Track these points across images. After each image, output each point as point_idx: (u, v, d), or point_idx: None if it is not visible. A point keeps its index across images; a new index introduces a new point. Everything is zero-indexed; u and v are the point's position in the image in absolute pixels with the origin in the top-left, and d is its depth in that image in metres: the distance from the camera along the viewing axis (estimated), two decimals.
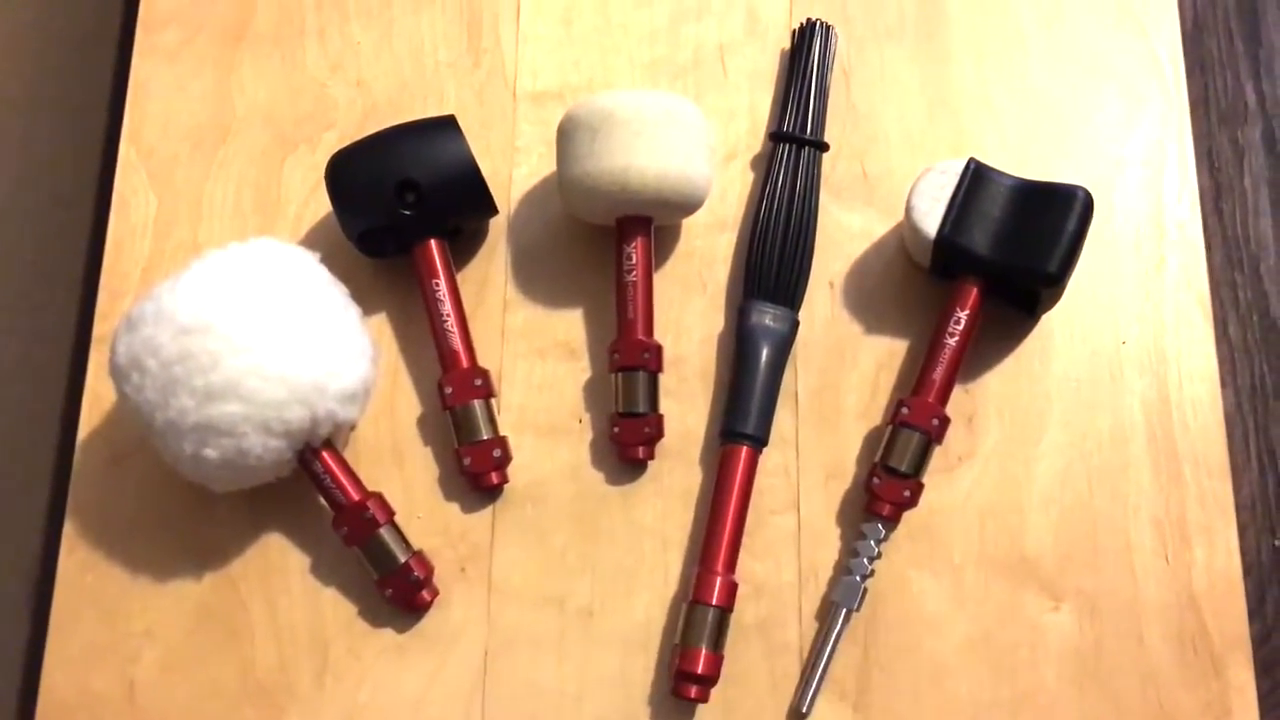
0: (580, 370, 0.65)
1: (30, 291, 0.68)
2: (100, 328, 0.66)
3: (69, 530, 0.62)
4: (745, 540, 0.60)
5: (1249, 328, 1.20)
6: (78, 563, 0.62)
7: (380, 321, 0.65)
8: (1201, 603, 0.60)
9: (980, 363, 0.64)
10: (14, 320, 0.66)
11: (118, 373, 0.57)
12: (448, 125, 0.63)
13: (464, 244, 0.67)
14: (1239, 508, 0.63)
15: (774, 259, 0.63)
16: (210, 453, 0.55)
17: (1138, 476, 0.62)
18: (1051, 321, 0.65)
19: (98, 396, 0.64)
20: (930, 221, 0.61)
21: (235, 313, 0.55)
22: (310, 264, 0.60)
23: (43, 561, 0.65)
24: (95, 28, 0.77)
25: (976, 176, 0.61)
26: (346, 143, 0.64)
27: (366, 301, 0.62)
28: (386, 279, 0.65)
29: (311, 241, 0.67)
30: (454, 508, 0.62)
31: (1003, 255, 0.60)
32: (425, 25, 0.72)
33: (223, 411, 0.54)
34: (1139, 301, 0.65)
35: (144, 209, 0.68)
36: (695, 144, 0.61)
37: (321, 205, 0.67)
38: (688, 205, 0.62)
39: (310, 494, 0.60)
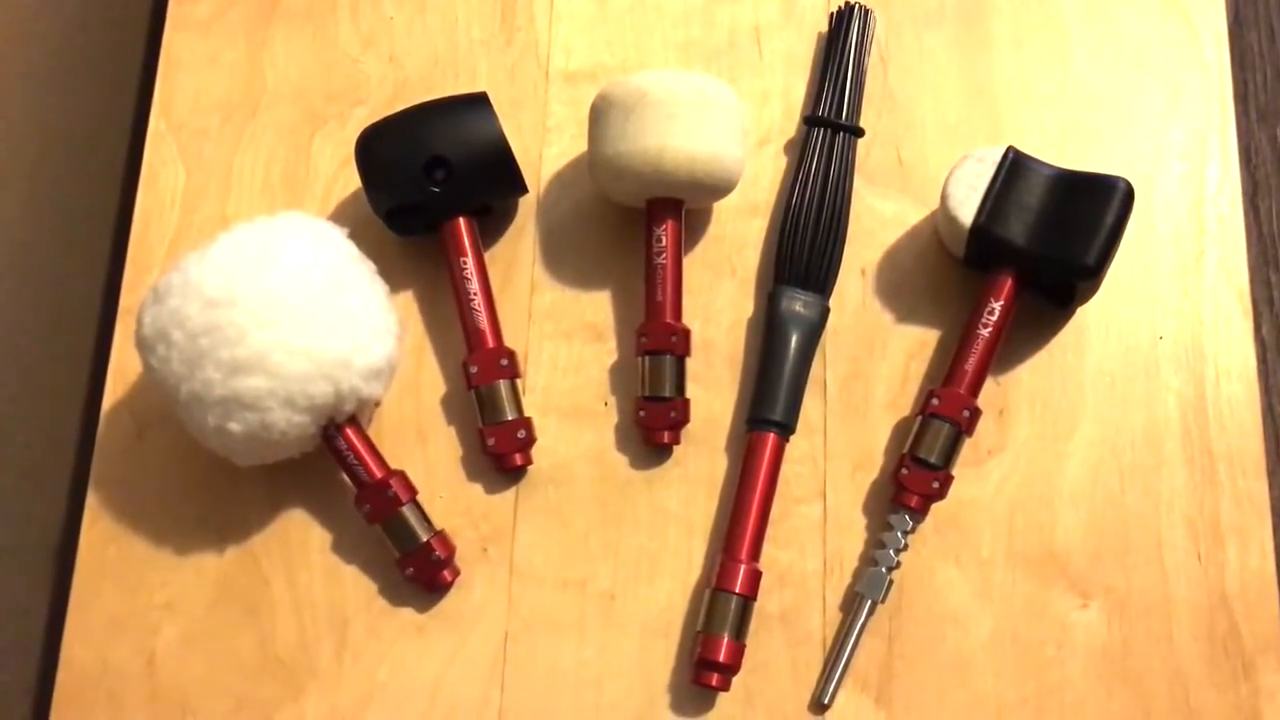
0: (607, 353, 0.64)
1: (57, 262, 0.67)
2: (127, 299, 0.66)
3: (91, 502, 0.62)
4: (770, 529, 0.59)
5: None
6: (100, 534, 0.62)
7: (407, 299, 0.65)
8: (1233, 604, 0.59)
9: (1012, 355, 0.63)
10: (41, 291, 0.66)
11: (144, 344, 0.56)
12: (479, 102, 0.62)
13: (493, 223, 0.66)
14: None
15: (806, 245, 0.62)
16: (234, 426, 0.55)
17: (1171, 474, 0.61)
18: (1086, 314, 0.64)
19: (123, 369, 0.64)
20: (966, 210, 0.60)
21: (262, 286, 0.55)
22: (338, 239, 0.59)
23: (65, 533, 0.65)
24: None
25: (1015, 165, 0.60)
26: (377, 119, 0.63)
27: (393, 279, 0.62)
28: (414, 257, 0.65)
29: (340, 217, 0.66)
30: (477, 488, 0.62)
31: (1039, 246, 0.59)
32: (459, 2, 0.71)
33: (248, 385, 0.54)
34: (1177, 296, 0.64)
35: (173, 181, 0.68)
36: (729, 127, 0.61)
37: (350, 181, 0.67)
38: (720, 188, 0.62)
39: (333, 470, 0.60)
